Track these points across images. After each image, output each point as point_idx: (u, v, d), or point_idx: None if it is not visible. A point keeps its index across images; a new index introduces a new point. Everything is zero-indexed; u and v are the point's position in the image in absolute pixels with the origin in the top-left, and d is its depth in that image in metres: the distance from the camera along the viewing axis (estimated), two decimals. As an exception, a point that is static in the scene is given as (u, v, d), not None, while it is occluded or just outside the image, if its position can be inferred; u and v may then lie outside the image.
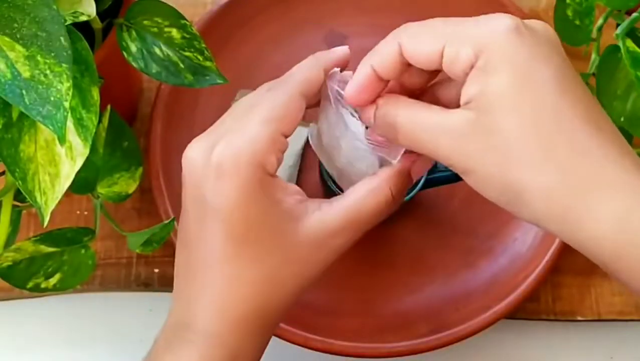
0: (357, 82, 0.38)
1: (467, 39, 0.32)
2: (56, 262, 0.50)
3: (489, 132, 0.32)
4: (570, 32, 0.53)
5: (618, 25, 0.51)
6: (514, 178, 0.32)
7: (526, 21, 0.33)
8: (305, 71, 0.39)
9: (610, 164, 0.31)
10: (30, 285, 0.49)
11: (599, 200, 0.31)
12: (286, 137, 0.39)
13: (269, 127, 0.37)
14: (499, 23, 0.32)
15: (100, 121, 0.50)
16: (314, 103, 0.40)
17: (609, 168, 0.31)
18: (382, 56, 0.37)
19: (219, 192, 0.37)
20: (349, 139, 0.39)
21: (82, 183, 0.51)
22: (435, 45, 0.34)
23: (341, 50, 0.40)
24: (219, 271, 0.38)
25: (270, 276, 0.38)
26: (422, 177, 0.54)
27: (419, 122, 0.35)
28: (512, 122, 0.31)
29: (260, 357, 0.41)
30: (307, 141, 0.62)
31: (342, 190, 0.55)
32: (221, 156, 0.37)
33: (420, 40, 0.35)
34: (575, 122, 0.31)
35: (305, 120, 0.40)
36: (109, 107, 0.50)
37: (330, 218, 0.38)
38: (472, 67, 0.32)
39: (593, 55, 0.55)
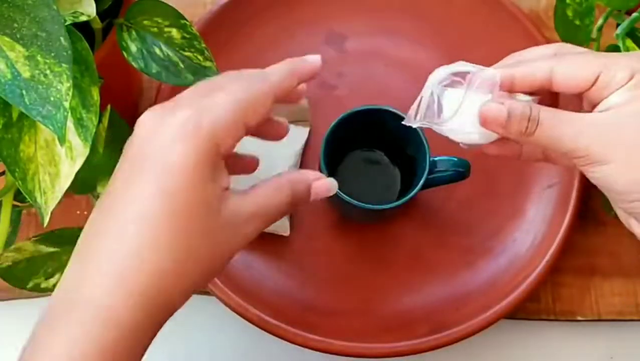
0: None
1: (622, 65, 0.40)
2: (56, 261, 0.50)
3: None
4: (570, 32, 0.53)
5: (618, 25, 0.51)
6: None
7: None
8: (283, 78, 0.41)
9: None
10: (30, 285, 0.49)
11: None
12: (247, 130, 0.39)
13: (237, 112, 0.38)
14: None
15: (100, 121, 0.50)
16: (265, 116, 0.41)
17: None
18: (530, 69, 0.42)
19: (169, 151, 0.36)
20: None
21: (82, 183, 0.51)
22: (592, 70, 0.40)
23: (314, 60, 0.42)
24: (133, 234, 0.36)
25: (186, 251, 0.37)
26: (422, 177, 0.54)
27: (563, 116, 0.40)
28: None
29: (149, 343, 0.38)
30: (307, 141, 0.62)
31: (341, 191, 0.55)
32: (183, 120, 0.37)
33: (578, 67, 0.41)
34: None
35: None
36: (109, 107, 0.50)
37: (244, 209, 0.39)
38: (621, 87, 0.40)
39: (593, 55, 0.55)
